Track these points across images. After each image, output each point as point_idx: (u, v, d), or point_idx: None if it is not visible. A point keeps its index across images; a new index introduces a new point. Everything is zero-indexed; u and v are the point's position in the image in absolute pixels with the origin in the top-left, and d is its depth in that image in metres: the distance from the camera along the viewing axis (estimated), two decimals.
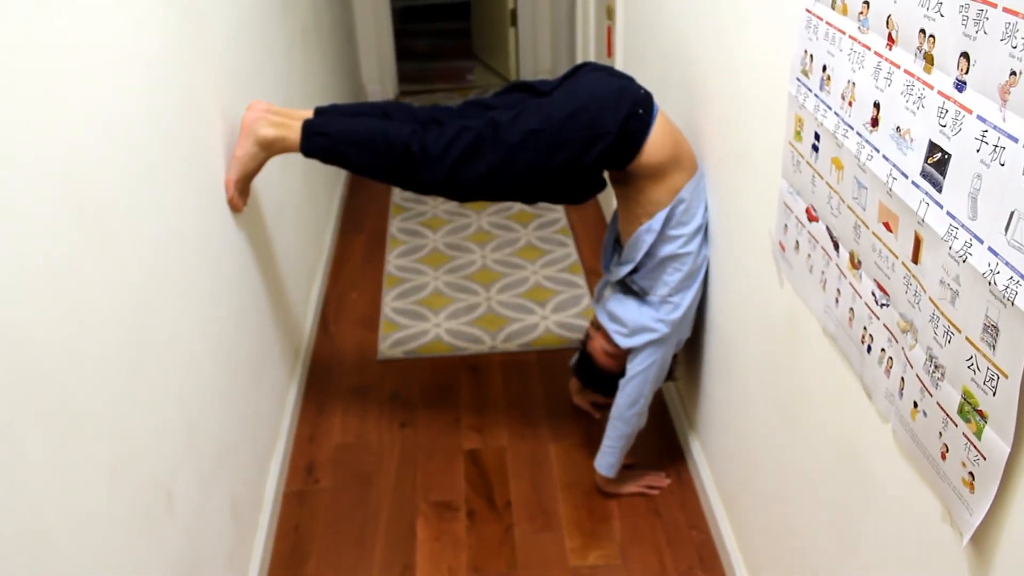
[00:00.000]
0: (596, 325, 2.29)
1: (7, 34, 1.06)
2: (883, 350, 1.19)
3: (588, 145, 1.89)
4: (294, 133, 2.00)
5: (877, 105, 1.14)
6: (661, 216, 2.00)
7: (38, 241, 1.10)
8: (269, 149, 2.01)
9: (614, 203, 2.18)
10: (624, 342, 2.14)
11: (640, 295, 2.13)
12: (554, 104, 1.92)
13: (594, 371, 2.31)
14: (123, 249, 1.36)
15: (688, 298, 2.07)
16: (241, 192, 2.04)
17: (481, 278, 3.33)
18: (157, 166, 1.55)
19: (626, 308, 2.14)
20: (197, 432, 1.67)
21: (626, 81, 1.98)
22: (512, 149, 1.90)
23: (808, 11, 1.35)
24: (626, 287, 2.18)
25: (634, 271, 2.12)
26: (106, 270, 1.29)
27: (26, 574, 1.03)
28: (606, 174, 2.07)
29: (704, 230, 2.06)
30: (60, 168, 1.17)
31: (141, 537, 1.37)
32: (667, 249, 2.03)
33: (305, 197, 3.03)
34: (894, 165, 1.10)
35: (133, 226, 1.41)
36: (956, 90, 0.95)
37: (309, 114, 2.05)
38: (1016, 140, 0.85)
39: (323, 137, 1.99)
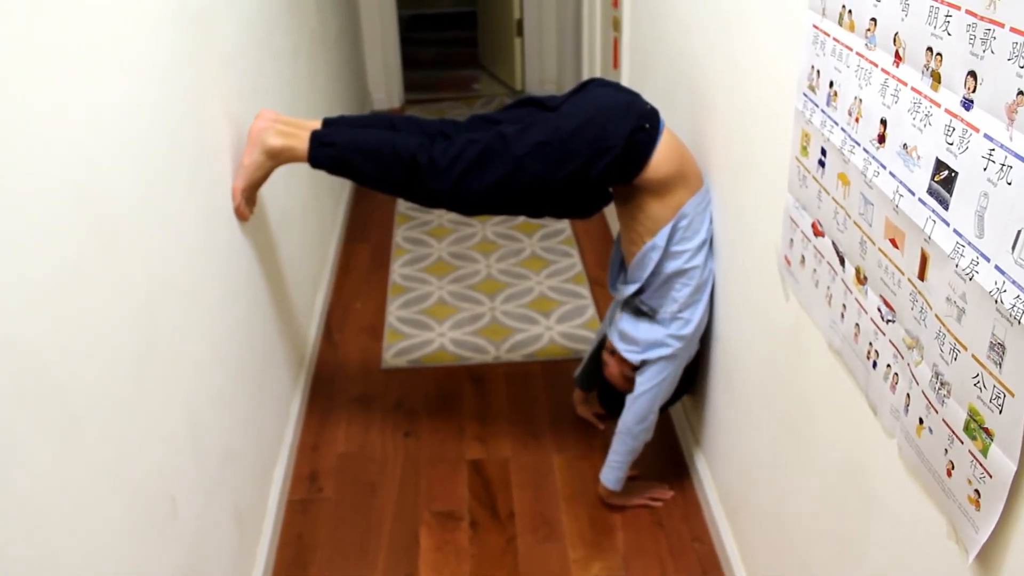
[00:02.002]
0: (611, 351, 2.27)
1: (17, 42, 1.07)
2: (889, 366, 1.19)
3: (594, 158, 1.90)
4: (302, 143, 2.00)
5: (884, 122, 1.15)
6: (664, 232, 2.00)
7: (46, 247, 1.11)
8: (276, 158, 2.02)
9: None
10: (636, 358, 2.14)
11: (650, 316, 2.13)
12: (562, 117, 1.93)
13: (615, 396, 2.29)
14: (130, 255, 1.37)
15: (698, 313, 2.07)
16: (248, 200, 2.05)
17: (486, 288, 3.33)
18: (165, 173, 1.56)
19: (637, 328, 2.14)
20: (201, 439, 1.68)
21: (633, 96, 1.99)
22: (519, 161, 1.90)
23: (815, 27, 1.36)
24: (635, 309, 2.18)
25: (641, 291, 2.12)
26: (112, 276, 1.30)
27: None
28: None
29: (709, 244, 2.06)
30: (69, 175, 1.18)
31: (144, 542, 1.38)
32: (673, 265, 2.04)
33: (311, 206, 3.04)
34: (901, 182, 1.11)
35: (140, 233, 1.42)
36: (963, 108, 0.96)
37: (317, 124, 2.06)
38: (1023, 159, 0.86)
39: (330, 148, 2.00)
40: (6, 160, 1.03)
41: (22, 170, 1.06)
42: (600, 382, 2.41)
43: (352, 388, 2.78)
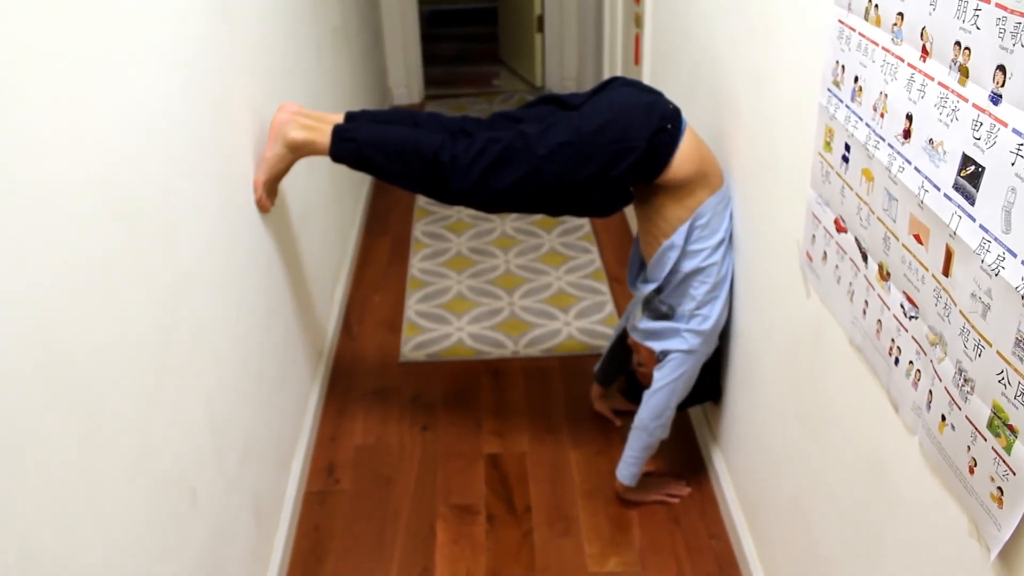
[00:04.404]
0: (639, 363, 2.29)
1: (44, 37, 1.08)
2: (911, 362, 1.19)
3: (616, 158, 1.90)
4: (324, 137, 2.01)
5: (910, 117, 1.14)
6: (682, 231, 2.00)
7: (70, 240, 1.12)
8: (298, 152, 2.03)
9: None
10: (658, 347, 2.14)
11: (669, 315, 2.13)
12: (583, 117, 1.93)
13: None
14: (152, 248, 1.38)
15: (716, 309, 2.07)
16: (269, 193, 2.06)
17: (504, 283, 3.33)
18: (188, 166, 1.57)
19: (657, 325, 2.15)
20: (221, 431, 1.69)
21: (655, 96, 1.98)
22: (540, 161, 1.91)
23: (841, 22, 1.35)
24: (655, 311, 2.18)
25: (660, 290, 2.12)
26: (135, 269, 1.31)
27: (51, 568, 1.05)
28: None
29: (728, 241, 2.06)
30: (93, 168, 1.19)
31: (165, 533, 1.39)
32: (690, 264, 2.03)
33: (331, 199, 3.05)
34: (926, 177, 1.10)
35: (162, 225, 1.43)
36: (991, 103, 0.95)
37: (339, 118, 2.06)
38: None
39: (352, 143, 2.00)
40: (31, 155, 1.04)
41: (46, 164, 1.07)
42: (628, 380, 2.41)
43: (370, 381, 2.80)
